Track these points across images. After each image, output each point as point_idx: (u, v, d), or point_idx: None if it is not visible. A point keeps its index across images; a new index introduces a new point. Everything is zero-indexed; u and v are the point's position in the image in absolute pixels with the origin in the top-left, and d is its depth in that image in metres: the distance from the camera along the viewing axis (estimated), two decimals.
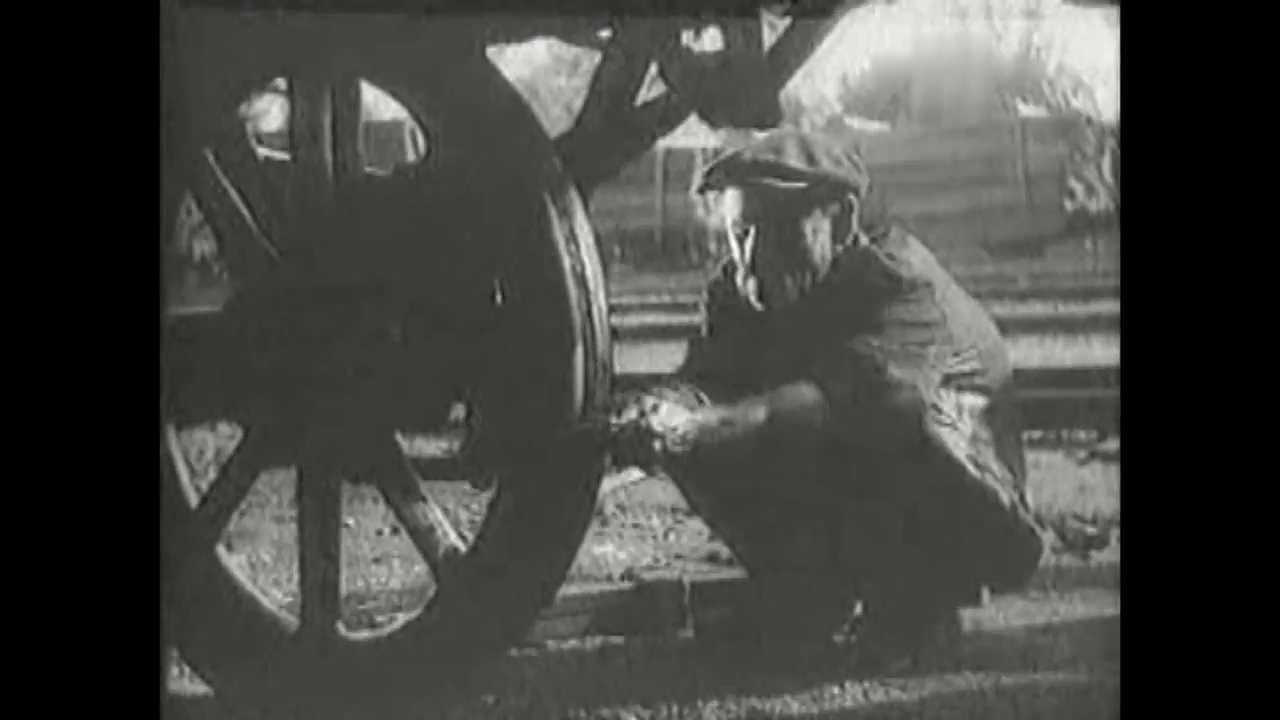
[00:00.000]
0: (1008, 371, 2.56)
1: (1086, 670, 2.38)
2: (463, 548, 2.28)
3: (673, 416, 2.18)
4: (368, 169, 2.29)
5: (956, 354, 2.41)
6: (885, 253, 2.43)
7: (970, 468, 2.38)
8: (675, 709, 2.27)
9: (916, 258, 2.44)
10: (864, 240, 2.48)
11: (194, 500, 2.40)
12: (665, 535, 3.62)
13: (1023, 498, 2.47)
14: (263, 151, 2.35)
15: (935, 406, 2.37)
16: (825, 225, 2.45)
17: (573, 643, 2.62)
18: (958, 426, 2.39)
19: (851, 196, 2.45)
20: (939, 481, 2.36)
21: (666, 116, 2.37)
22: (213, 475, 2.50)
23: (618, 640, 2.64)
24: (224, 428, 3.58)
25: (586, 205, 2.28)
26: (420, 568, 2.62)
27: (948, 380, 2.39)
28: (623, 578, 3.04)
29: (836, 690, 2.34)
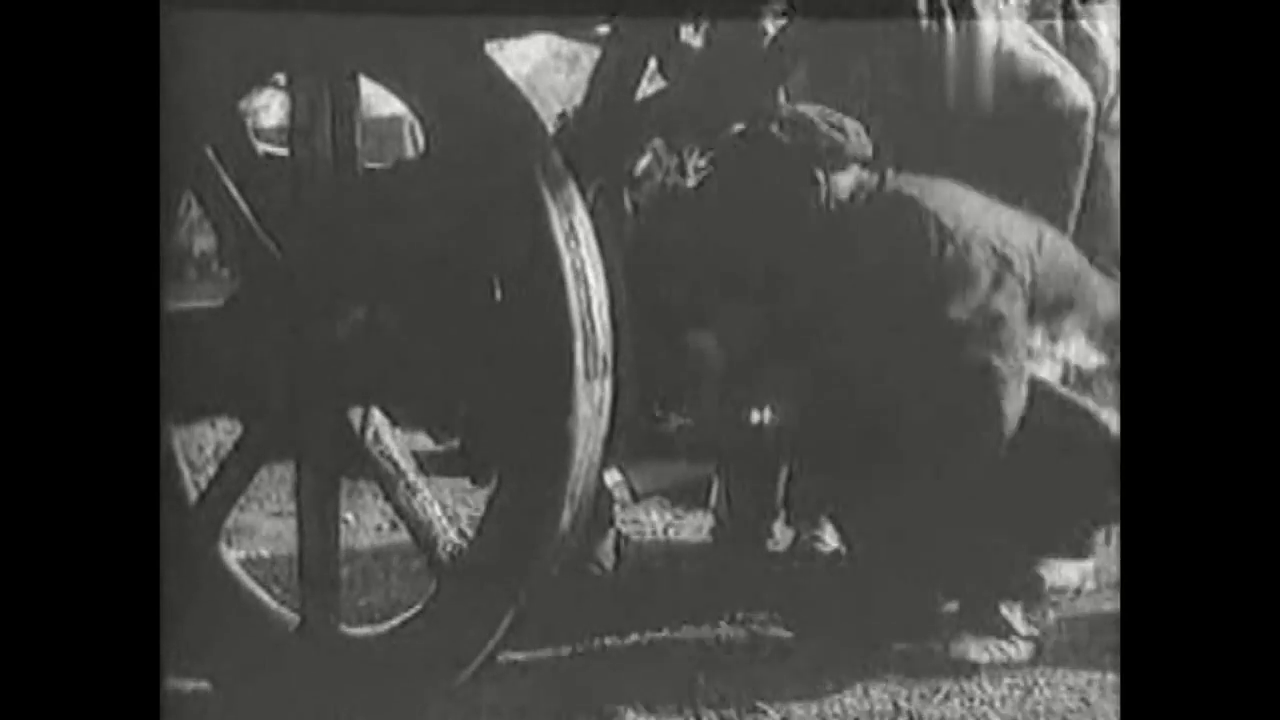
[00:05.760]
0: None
1: (1086, 670, 2.38)
2: (462, 543, 2.28)
3: None
4: (367, 164, 2.28)
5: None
6: None
7: None
8: (675, 708, 2.27)
9: None
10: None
11: (193, 495, 2.40)
12: (665, 531, 3.61)
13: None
14: (262, 147, 2.35)
15: None
16: None
17: (573, 641, 2.62)
18: None
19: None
20: None
21: (666, 112, 2.37)
22: (212, 470, 2.49)
23: (617, 640, 2.64)
24: (223, 423, 3.58)
25: (586, 200, 2.27)
26: (420, 563, 2.62)
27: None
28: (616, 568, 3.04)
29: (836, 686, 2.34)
